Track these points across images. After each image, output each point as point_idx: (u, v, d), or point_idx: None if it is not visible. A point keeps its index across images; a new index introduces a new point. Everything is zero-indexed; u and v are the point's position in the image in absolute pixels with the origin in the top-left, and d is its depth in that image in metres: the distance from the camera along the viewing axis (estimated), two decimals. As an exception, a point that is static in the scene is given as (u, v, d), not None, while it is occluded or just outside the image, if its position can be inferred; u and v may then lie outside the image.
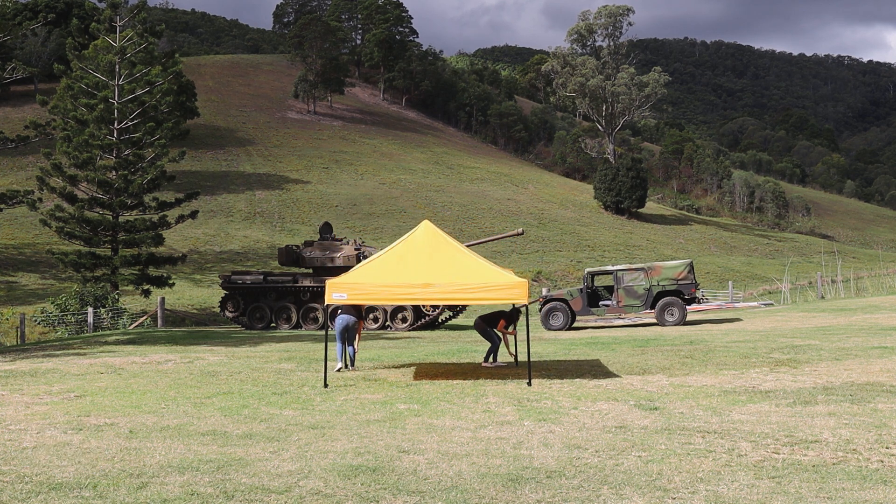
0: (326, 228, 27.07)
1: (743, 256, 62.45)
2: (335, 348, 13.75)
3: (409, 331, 23.84)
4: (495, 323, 13.90)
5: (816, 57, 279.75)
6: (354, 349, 13.75)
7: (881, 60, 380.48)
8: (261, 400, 10.49)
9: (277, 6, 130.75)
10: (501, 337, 13.97)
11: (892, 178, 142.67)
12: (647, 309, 22.52)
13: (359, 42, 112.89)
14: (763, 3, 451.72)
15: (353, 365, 13.60)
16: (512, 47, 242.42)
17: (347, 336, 13.61)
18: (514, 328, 14.28)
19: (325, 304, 12.14)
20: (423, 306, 24.34)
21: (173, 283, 34.09)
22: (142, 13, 35.60)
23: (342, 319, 13.50)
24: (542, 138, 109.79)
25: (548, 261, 51.47)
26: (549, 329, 22.33)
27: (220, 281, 26.63)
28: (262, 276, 25.50)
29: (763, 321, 22.00)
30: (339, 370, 13.23)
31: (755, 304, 31.97)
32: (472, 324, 17.50)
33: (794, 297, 36.25)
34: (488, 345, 14.49)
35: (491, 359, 13.86)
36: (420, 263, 11.86)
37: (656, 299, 22.26)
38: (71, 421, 9.10)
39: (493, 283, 11.55)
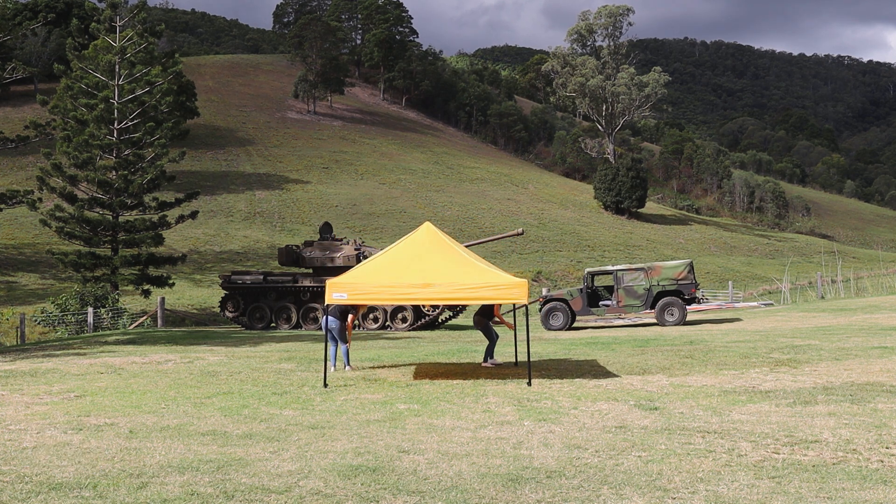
0: (326, 228, 27.08)
1: (743, 256, 62.46)
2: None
3: (409, 331, 23.84)
4: (491, 313, 13.90)
5: (816, 57, 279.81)
6: (346, 348, 13.73)
7: (881, 60, 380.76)
8: (261, 400, 10.49)
9: (277, 6, 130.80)
10: (496, 335, 13.97)
11: (892, 178, 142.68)
12: (647, 309, 22.51)
13: (359, 42, 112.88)
14: (763, 3, 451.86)
15: (347, 363, 13.58)
16: (512, 47, 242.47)
17: (336, 336, 13.63)
18: (491, 318, 14.18)
19: (325, 304, 12.16)
20: (423, 306, 24.34)
21: (173, 283, 34.09)
22: (142, 13, 35.58)
23: (324, 321, 13.55)
24: (542, 138, 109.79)
25: (548, 261, 51.48)
26: (549, 329, 22.33)
27: (220, 281, 26.63)
28: (262, 276, 25.50)
29: (763, 321, 22.00)
30: (337, 370, 13.30)
31: (755, 304, 31.97)
32: (471, 324, 17.48)
33: (794, 297, 36.25)
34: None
35: (490, 358, 13.85)
36: (420, 263, 11.87)
37: (656, 299, 22.26)
38: (71, 421, 9.09)
39: (493, 283, 11.55)
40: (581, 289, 23.11)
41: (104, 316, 26.84)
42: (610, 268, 24.40)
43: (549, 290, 31.70)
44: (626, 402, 9.88)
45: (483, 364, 13.81)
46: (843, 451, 7.23)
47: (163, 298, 28.03)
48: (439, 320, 25.80)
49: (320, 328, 24.35)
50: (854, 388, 10.42)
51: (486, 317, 13.97)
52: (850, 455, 7.08)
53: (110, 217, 33.07)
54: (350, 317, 13.69)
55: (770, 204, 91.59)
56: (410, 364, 14.18)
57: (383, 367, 13.93)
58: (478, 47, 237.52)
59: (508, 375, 12.43)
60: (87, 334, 24.19)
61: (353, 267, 22.76)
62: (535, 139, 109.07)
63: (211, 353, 16.46)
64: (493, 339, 13.91)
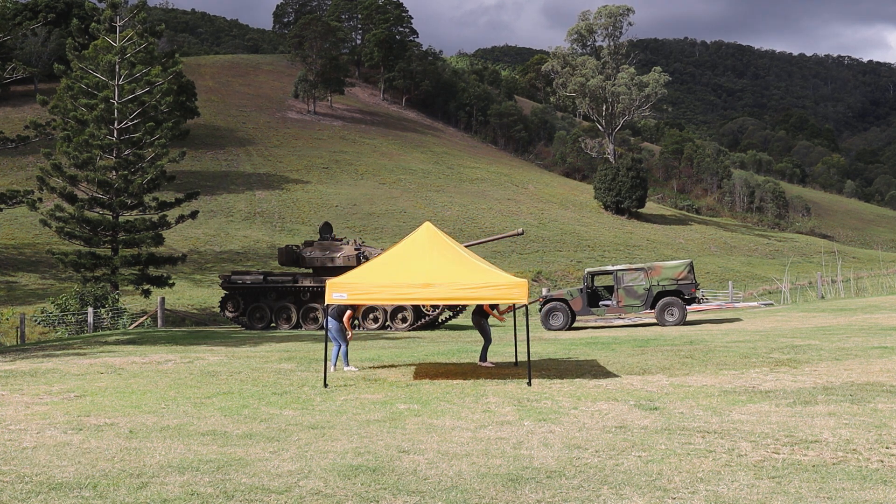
0: (326, 228, 27.08)
1: (743, 256, 62.46)
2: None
3: (409, 331, 23.84)
4: (486, 312, 13.94)
5: (816, 57, 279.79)
6: (346, 348, 13.72)
7: (881, 60, 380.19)
8: (261, 400, 10.49)
9: (277, 6, 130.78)
10: (490, 337, 13.98)
11: (892, 178, 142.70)
12: (647, 309, 22.51)
13: (359, 42, 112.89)
14: (763, 3, 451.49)
15: (345, 363, 13.55)
16: (512, 47, 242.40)
17: (335, 337, 13.63)
18: (500, 312, 14.24)
19: (325, 304, 12.15)
20: (423, 306, 24.34)
21: (173, 283, 34.08)
22: (142, 13, 35.56)
23: (325, 322, 13.60)
24: (542, 138, 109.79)
25: (548, 261, 51.47)
26: (549, 329, 22.33)
27: (220, 281, 26.63)
28: (262, 276, 25.50)
29: (763, 321, 22.00)
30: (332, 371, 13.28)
31: (755, 304, 31.97)
32: (471, 324, 17.50)
33: (794, 297, 36.25)
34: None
35: (482, 360, 13.87)
36: (420, 263, 11.87)
37: (656, 299, 22.26)
38: (71, 421, 9.09)
39: (493, 283, 11.55)
40: (581, 289, 23.10)
41: (104, 316, 26.84)
42: (610, 268, 24.40)
43: (549, 290, 31.69)
44: (626, 402, 9.88)
45: (481, 364, 13.82)
46: (843, 451, 7.23)
47: (163, 298, 28.03)
48: (439, 320, 25.80)
49: (320, 328, 24.36)
50: (854, 388, 10.42)
51: (482, 316, 14.01)
52: (850, 455, 7.08)
53: (110, 217, 33.06)
54: (347, 313, 13.65)
55: (770, 204, 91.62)
56: (410, 364, 14.18)
57: (383, 367, 13.93)
58: (478, 47, 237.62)
59: (508, 375, 12.44)
60: (87, 334, 24.19)
61: (353, 267, 22.88)
62: (535, 139, 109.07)
63: (211, 353, 16.46)
64: (487, 339, 13.93)
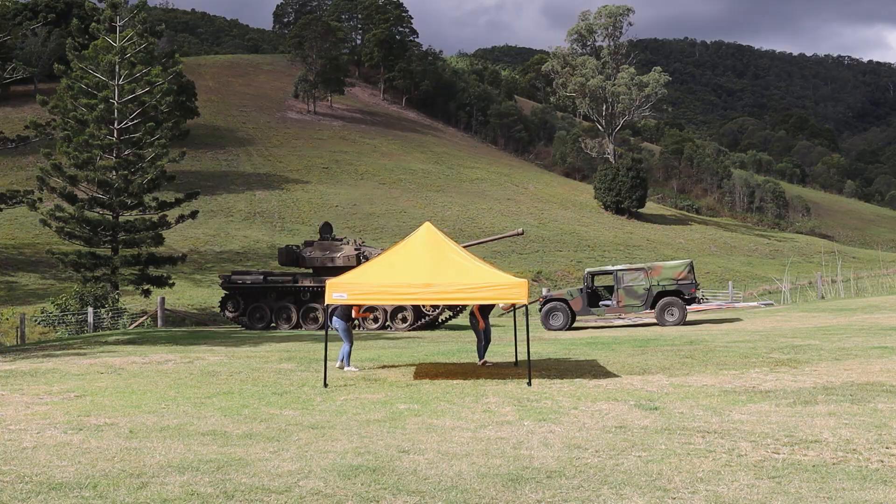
0: (326, 228, 27.08)
1: (743, 256, 62.46)
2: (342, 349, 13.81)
3: (409, 331, 23.83)
4: (483, 312, 13.96)
5: (816, 57, 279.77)
6: (349, 349, 13.73)
7: (881, 60, 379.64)
8: (261, 400, 10.49)
9: (277, 6, 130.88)
10: (482, 336, 13.98)
11: (892, 178, 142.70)
12: (647, 309, 22.52)
13: (359, 42, 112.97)
14: (763, 3, 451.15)
15: (347, 363, 13.55)
16: (512, 47, 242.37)
17: (341, 337, 13.66)
18: (485, 318, 14.22)
19: (325, 304, 12.15)
20: (423, 306, 24.33)
21: (173, 283, 34.08)
22: (142, 13, 35.53)
23: (333, 321, 13.60)
24: (542, 138, 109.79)
25: (548, 261, 51.47)
26: (549, 329, 22.33)
27: (220, 281, 26.63)
28: (262, 276, 25.50)
29: (763, 321, 22.00)
30: (337, 367, 13.30)
31: (755, 304, 31.98)
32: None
33: (794, 297, 36.25)
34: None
35: (480, 358, 13.90)
36: (420, 263, 11.87)
37: (656, 299, 22.26)
38: (71, 421, 9.09)
39: (494, 283, 11.55)
40: (581, 289, 23.11)
41: (104, 316, 26.84)
42: (610, 268, 24.40)
43: (549, 290, 31.70)
44: (626, 402, 9.88)
45: (482, 363, 13.82)
46: (843, 451, 7.23)
47: (163, 298, 28.03)
48: (439, 320, 25.79)
49: (321, 328, 24.36)
50: (854, 388, 10.42)
51: (474, 316, 14.04)
52: (850, 455, 7.08)
53: (110, 217, 33.05)
54: (353, 309, 13.71)
55: (770, 204, 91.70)
56: (410, 364, 14.18)
57: (383, 367, 13.93)
58: (478, 47, 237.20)
59: (508, 375, 12.44)
60: (87, 334, 24.19)
61: (353, 267, 22.87)
62: (535, 139, 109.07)
63: (211, 353, 16.46)
64: (479, 338, 13.94)
